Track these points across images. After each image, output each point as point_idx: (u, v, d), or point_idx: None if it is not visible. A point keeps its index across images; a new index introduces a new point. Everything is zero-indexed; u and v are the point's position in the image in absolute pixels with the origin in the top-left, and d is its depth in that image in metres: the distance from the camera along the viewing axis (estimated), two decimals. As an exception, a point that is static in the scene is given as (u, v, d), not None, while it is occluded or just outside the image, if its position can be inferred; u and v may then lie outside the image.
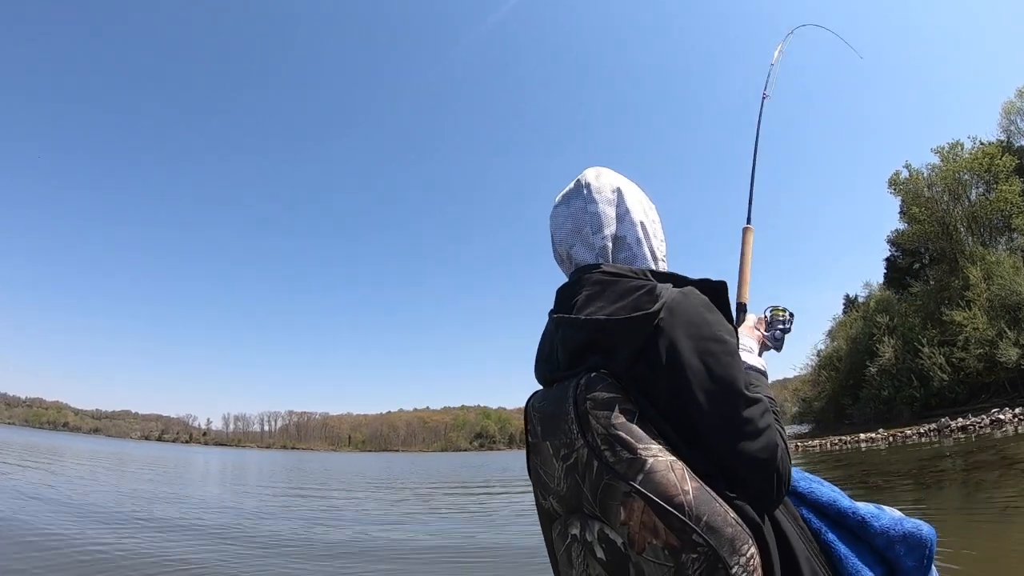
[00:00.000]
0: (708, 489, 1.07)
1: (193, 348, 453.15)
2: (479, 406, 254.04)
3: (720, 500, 1.06)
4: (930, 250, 38.79)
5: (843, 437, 29.95)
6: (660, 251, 1.43)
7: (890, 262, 44.72)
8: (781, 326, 1.75)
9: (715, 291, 1.24)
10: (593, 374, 1.16)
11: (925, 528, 1.29)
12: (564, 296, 1.34)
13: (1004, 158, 34.36)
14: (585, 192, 1.40)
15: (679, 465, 1.08)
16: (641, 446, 1.08)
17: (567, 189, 1.45)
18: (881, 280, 45.72)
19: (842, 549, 1.25)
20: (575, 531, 1.21)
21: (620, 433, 1.09)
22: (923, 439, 22.66)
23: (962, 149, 36.86)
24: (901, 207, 40.48)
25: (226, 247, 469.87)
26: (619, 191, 1.40)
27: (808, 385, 49.16)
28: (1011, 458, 12.38)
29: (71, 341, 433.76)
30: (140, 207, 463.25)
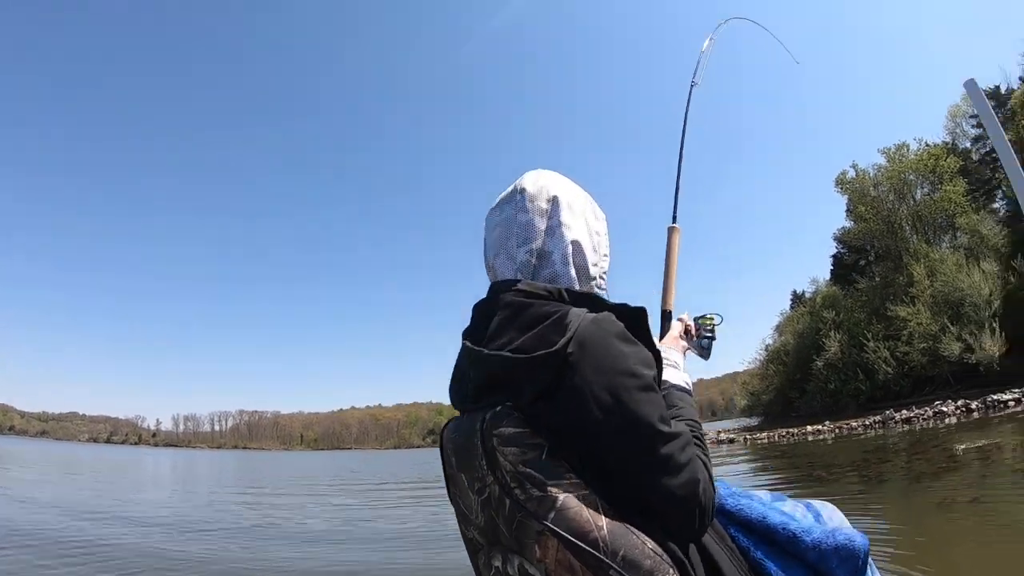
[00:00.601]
0: (623, 523, 1.04)
1: (142, 348, 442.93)
2: (431, 402, 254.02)
3: (637, 532, 1.04)
4: (876, 247, 39.54)
5: (790, 429, 30.22)
6: (598, 268, 1.33)
7: (837, 259, 45.52)
8: (708, 334, 1.69)
9: (633, 318, 1.16)
10: (499, 408, 1.10)
11: (858, 539, 1.25)
12: (478, 315, 1.27)
13: (949, 160, 35.12)
14: (518, 199, 1.30)
15: (592, 500, 1.05)
16: (551, 483, 1.04)
17: (504, 194, 1.35)
18: (828, 276, 46.47)
19: (772, 567, 1.23)
20: (497, 563, 1.17)
21: (528, 470, 1.05)
22: (868, 431, 22.82)
23: (908, 150, 37.62)
24: (848, 206, 41.18)
25: (170, 243, 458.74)
26: (555, 200, 1.29)
27: (756, 379, 49.54)
28: (951, 450, 12.33)
29: (12, 339, 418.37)
30: (84, 195, 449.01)
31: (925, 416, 22.09)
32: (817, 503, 1.47)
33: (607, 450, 1.05)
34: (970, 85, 1.10)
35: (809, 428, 28.13)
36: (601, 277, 1.34)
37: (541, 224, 1.27)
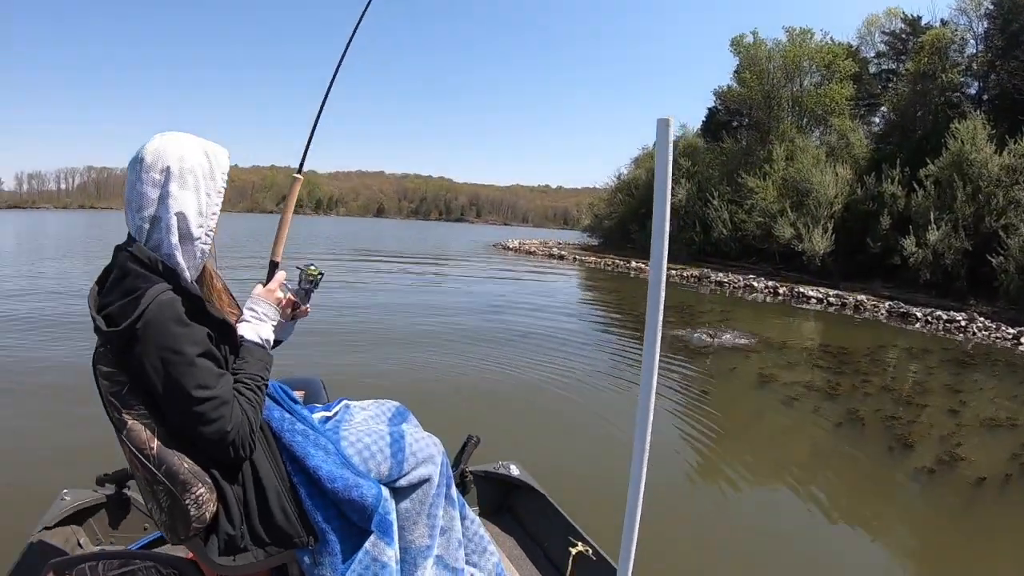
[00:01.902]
0: (170, 447, 1.44)
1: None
2: (288, 167, 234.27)
3: (180, 454, 1.44)
4: (750, 116, 40.13)
5: (618, 260, 32.05)
6: (203, 228, 1.52)
7: (711, 113, 45.83)
8: (309, 285, 1.94)
9: (192, 301, 1.46)
10: (102, 348, 1.45)
11: (370, 499, 1.62)
12: (112, 258, 1.51)
13: (847, 62, 35.33)
14: (138, 167, 1.46)
15: (151, 427, 1.44)
16: (125, 410, 1.43)
17: (133, 156, 1.50)
18: (699, 126, 46.90)
19: (303, 492, 1.60)
20: None
21: (112, 399, 1.44)
22: (684, 282, 24.67)
23: (811, 38, 37.29)
24: (737, 67, 40.59)
25: None
26: (167, 172, 1.45)
27: (604, 203, 50.75)
28: (733, 317, 14.43)
29: None
30: None
31: (737, 284, 23.76)
32: (422, 440, 1.83)
33: (161, 401, 1.41)
34: (661, 125, 1.10)
35: (634, 264, 29.81)
36: (207, 234, 1.53)
37: (153, 195, 1.45)
